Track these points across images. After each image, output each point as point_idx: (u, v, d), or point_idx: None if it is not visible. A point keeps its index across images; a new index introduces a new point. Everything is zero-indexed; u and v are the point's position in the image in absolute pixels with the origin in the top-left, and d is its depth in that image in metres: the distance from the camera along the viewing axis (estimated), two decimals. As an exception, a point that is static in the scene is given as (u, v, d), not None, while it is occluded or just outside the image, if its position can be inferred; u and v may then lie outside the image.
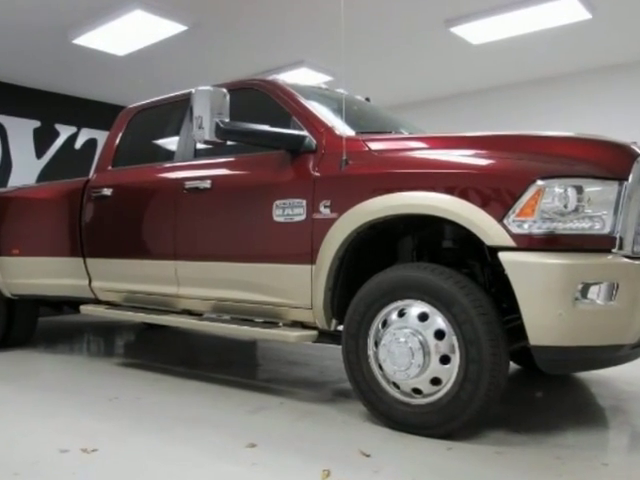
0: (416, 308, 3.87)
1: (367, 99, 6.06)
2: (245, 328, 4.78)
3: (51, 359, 6.47)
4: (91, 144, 11.64)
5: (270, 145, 4.64)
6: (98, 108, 11.76)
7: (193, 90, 4.40)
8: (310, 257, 4.34)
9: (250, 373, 5.96)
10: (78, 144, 11.53)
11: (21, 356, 6.60)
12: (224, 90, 4.41)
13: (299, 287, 4.44)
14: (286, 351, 6.33)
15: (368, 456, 3.56)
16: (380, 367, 4.00)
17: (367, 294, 4.05)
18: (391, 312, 3.98)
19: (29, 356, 6.62)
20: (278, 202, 4.50)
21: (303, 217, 4.36)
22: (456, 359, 3.72)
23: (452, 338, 3.73)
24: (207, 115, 4.33)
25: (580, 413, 4.56)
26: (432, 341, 3.77)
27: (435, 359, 3.76)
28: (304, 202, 4.36)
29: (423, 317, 3.84)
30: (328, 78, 10.58)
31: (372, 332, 4.06)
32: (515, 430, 4.03)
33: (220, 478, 3.30)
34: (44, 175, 10.84)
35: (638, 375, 5.44)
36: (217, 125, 4.32)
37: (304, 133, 4.52)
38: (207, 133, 4.33)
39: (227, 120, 4.36)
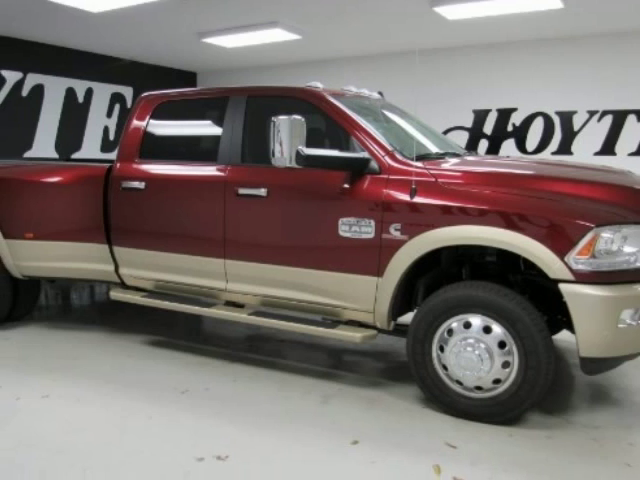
0: (480, 321, 4.66)
1: (380, 93, 6.59)
2: (303, 326, 5.30)
3: (71, 339, 6.67)
4: (38, 91, 11.45)
5: (340, 168, 5.16)
6: (45, 51, 11.58)
7: (274, 119, 4.86)
8: (376, 270, 4.99)
9: (287, 355, 6.40)
10: (25, 91, 11.30)
11: (37, 336, 6.79)
12: (302, 119, 4.89)
13: (363, 294, 5.11)
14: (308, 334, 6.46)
15: (454, 447, 4.37)
16: (444, 367, 4.79)
17: (435, 307, 4.79)
18: (456, 323, 4.75)
19: (45, 336, 6.79)
20: (344, 219, 5.08)
21: (372, 235, 4.98)
22: (515, 364, 4.56)
23: (512, 348, 4.55)
24: (287, 143, 4.85)
25: (599, 394, 5.53)
26: (496, 350, 4.60)
27: (498, 364, 4.59)
28: (373, 222, 4.96)
29: (487, 329, 4.61)
30: (298, 37, 11.11)
31: (437, 338, 4.82)
32: (549, 412, 4.96)
33: (351, 476, 3.98)
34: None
35: None
36: (298, 153, 4.85)
37: (367, 156, 5.03)
38: (288, 160, 4.87)
39: (304, 147, 4.86)
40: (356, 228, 4.98)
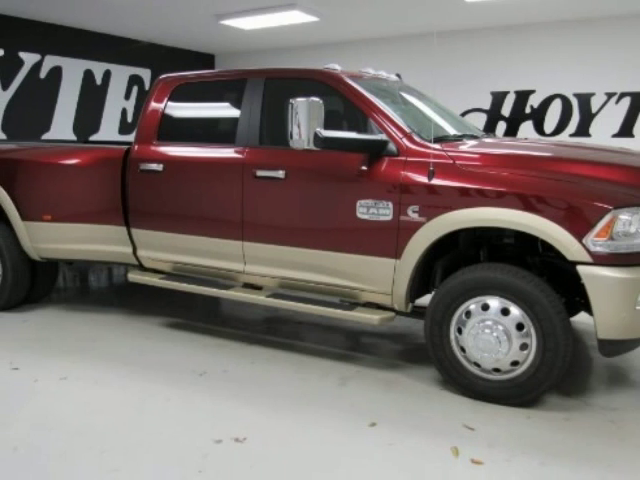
0: (498, 303, 4.66)
1: (398, 75, 6.58)
2: (320, 308, 5.35)
3: (89, 321, 6.71)
4: (56, 73, 11.47)
5: (358, 150, 5.17)
6: (63, 34, 11.60)
7: (292, 101, 4.86)
8: (394, 252, 5.00)
9: (304, 337, 6.44)
10: (43, 73, 11.33)
11: (55, 318, 6.81)
12: (320, 101, 4.89)
13: (381, 276, 5.11)
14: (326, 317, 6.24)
15: (472, 429, 4.37)
16: (462, 349, 4.79)
17: (453, 289, 4.79)
18: (474, 305, 4.75)
19: (63, 318, 6.82)
20: (362, 201, 5.08)
21: (389, 218, 4.98)
22: (533, 346, 4.56)
23: (530, 330, 4.54)
24: (305, 125, 4.85)
25: (617, 376, 5.54)
26: (514, 332, 4.59)
27: (516, 346, 4.59)
28: (390, 204, 4.96)
29: (505, 311, 4.61)
30: (316, 19, 11.08)
31: (454, 320, 4.83)
32: (567, 394, 4.96)
33: (369, 458, 4.00)
34: (12, 107, 10.67)
35: None
36: (316, 135, 4.86)
37: (385, 138, 5.04)
38: (306, 142, 4.87)
39: (322, 129, 4.87)
40: (374, 210, 4.98)
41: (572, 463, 3.92)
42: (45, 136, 11.19)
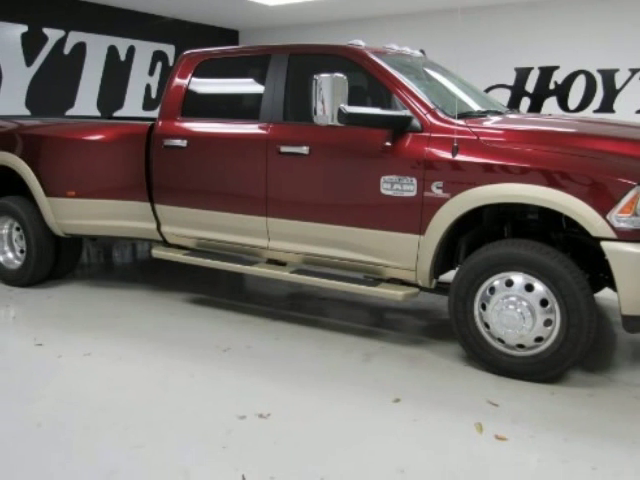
0: (522, 279, 4.65)
1: (422, 51, 6.55)
2: (344, 284, 5.40)
3: (113, 297, 6.75)
4: (80, 49, 11.49)
5: (382, 126, 5.15)
6: (87, 10, 11.61)
7: (316, 77, 4.85)
8: (418, 228, 4.99)
9: (328, 313, 6.47)
10: (67, 49, 11.35)
11: (79, 294, 6.87)
12: (344, 77, 4.87)
13: (405, 252, 5.11)
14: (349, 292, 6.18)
15: (496, 405, 4.38)
16: (486, 325, 4.79)
17: (477, 265, 4.79)
18: (498, 281, 4.74)
19: (87, 294, 6.88)
20: (386, 177, 5.07)
21: (413, 193, 4.97)
22: (557, 322, 4.55)
23: (554, 306, 4.54)
24: (329, 101, 4.85)
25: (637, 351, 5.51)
26: (538, 308, 4.58)
27: (540, 322, 4.58)
28: (414, 180, 4.96)
29: (529, 287, 4.60)
30: None
31: (478, 296, 4.82)
32: (591, 370, 4.96)
33: (393, 433, 4.02)
34: (36, 84, 10.72)
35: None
36: (340, 111, 4.85)
37: (409, 114, 5.04)
38: (330, 118, 4.87)
39: (346, 105, 4.86)
40: (398, 186, 4.98)
41: (596, 439, 3.93)
42: (69, 112, 11.24)
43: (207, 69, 6.37)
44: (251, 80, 6.30)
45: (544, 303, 4.56)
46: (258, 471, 3.53)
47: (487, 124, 5.07)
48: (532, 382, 4.69)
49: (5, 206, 7.11)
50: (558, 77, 12.08)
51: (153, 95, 13.01)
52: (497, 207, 5.02)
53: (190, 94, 6.33)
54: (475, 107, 5.70)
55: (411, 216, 4.98)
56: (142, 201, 6.53)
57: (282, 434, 3.96)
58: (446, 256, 5.12)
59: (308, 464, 3.62)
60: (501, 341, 4.75)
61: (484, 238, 5.03)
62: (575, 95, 11.93)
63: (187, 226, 6.33)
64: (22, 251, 7.07)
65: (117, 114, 12.01)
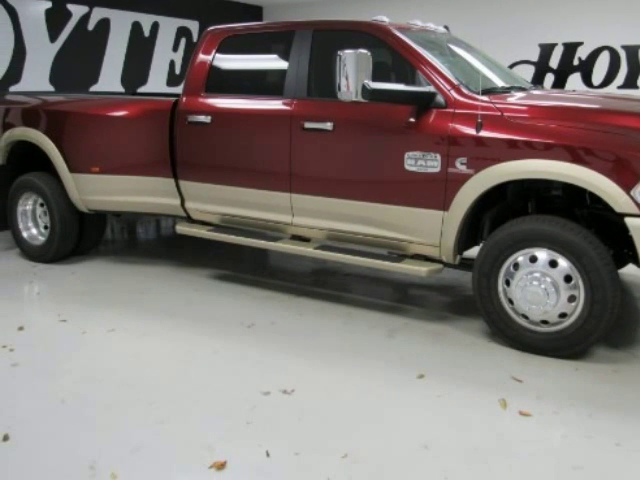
0: (546, 255, 4.65)
1: (445, 27, 6.52)
2: (368, 260, 5.43)
3: (137, 273, 6.82)
4: (104, 25, 11.49)
5: (406, 102, 5.14)
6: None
7: (340, 53, 4.84)
8: (442, 204, 4.99)
9: (352, 289, 6.51)
10: (91, 25, 11.35)
11: (103, 270, 6.95)
12: (368, 53, 4.86)
13: (429, 228, 5.12)
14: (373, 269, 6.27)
15: (520, 382, 4.40)
16: (510, 301, 4.80)
17: (501, 241, 4.79)
18: (522, 257, 4.74)
19: (111, 270, 6.95)
20: (410, 153, 5.07)
21: (437, 170, 4.97)
22: (581, 298, 4.55)
23: (578, 282, 4.53)
24: (353, 77, 4.84)
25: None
26: (562, 284, 4.59)
27: (564, 298, 4.59)
28: (439, 156, 4.95)
29: (553, 263, 4.59)
30: None
31: (502, 272, 4.83)
32: (615, 346, 4.96)
33: (417, 409, 4.05)
34: (60, 60, 10.74)
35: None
36: (364, 87, 4.85)
37: (433, 90, 5.03)
38: (354, 94, 4.86)
39: (370, 81, 4.85)
40: (422, 162, 4.98)
41: (620, 415, 3.94)
42: (93, 88, 11.24)
43: (231, 45, 6.36)
44: (275, 56, 6.29)
45: (568, 279, 4.55)
46: (282, 447, 3.56)
47: (511, 100, 5.05)
48: (556, 358, 4.69)
49: (29, 182, 7.15)
50: (582, 53, 11.96)
51: (177, 71, 12.97)
52: (521, 183, 5.00)
53: (214, 70, 6.33)
54: (499, 83, 5.67)
55: (435, 192, 4.98)
56: (166, 177, 6.53)
57: (306, 410, 3.99)
58: (470, 232, 5.12)
59: (332, 440, 3.65)
60: (525, 317, 4.75)
61: (508, 214, 5.02)
62: (599, 71, 11.82)
63: (211, 202, 6.34)
64: (46, 227, 7.14)
65: (141, 90, 11.99)
